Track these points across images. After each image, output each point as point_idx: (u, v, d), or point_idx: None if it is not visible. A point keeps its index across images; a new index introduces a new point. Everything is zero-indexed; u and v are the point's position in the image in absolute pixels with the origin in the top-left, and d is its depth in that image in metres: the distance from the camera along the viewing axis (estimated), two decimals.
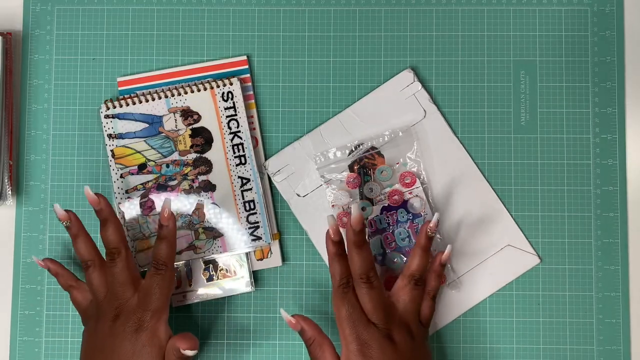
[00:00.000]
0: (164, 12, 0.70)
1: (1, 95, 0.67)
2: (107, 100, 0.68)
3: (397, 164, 0.68)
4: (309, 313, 0.68)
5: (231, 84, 0.67)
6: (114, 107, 0.67)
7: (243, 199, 0.67)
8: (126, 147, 0.67)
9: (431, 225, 0.61)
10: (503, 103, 0.69)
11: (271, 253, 0.67)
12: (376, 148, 0.68)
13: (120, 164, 0.67)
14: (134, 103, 0.67)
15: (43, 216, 0.69)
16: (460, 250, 0.67)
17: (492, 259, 0.67)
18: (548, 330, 0.67)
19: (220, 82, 0.67)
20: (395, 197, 0.67)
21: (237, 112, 0.67)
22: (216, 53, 0.70)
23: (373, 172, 0.67)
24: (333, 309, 0.60)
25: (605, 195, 0.68)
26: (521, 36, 0.70)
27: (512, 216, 0.68)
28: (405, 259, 0.66)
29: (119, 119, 0.67)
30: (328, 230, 0.60)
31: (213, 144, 0.67)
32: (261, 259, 0.67)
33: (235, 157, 0.67)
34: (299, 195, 0.68)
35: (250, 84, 0.69)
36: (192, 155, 0.67)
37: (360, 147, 0.67)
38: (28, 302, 0.68)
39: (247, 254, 0.67)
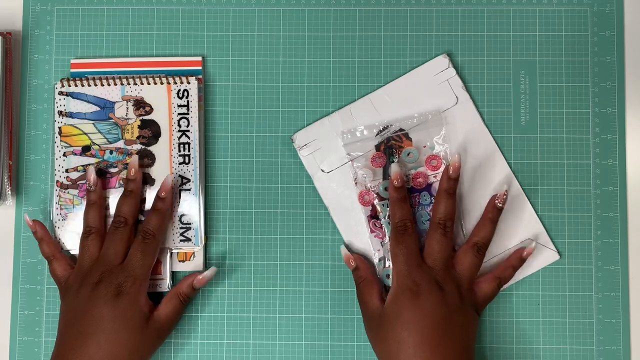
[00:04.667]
0: (163, 12, 0.70)
1: (1, 95, 0.67)
2: (63, 79, 0.68)
3: (424, 147, 0.68)
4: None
5: (189, 82, 0.67)
6: (69, 85, 0.68)
7: (179, 198, 0.67)
8: (74, 126, 0.67)
9: (500, 196, 0.64)
10: (503, 103, 0.69)
11: (194, 256, 0.67)
12: (404, 130, 0.68)
13: (65, 143, 0.67)
14: (89, 85, 0.67)
15: (43, 216, 0.69)
16: None
17: (512, 251, 0.67)
18: (548, 330, 0.67)
19: (177, 79, 0.68)
20: (420, 179, 0.67)
21: (189, 111, 0.67)
22: (216, 53, 0.70)
23: (399, 154, 0.67)
24: (390, 247, 0.63)
25: (605, 195, 0.68)
26: (521, 36, 0.70)
27: (536, 211, 0.68)
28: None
29: (72, 97, 0.67)
30: (392, 179, 0.63)
31: (160, 139, 0.67)
32: (183, 261, 0.67)
33: (180, 155, 0.67)
34: (323, 171, 0.68)
35: (201, 85, 0.69)
36: (137, 146, 0.67)
37: (389, 128, 0.68)
38: (28, 302, 0.68)
39: (170, 254, 0.67)
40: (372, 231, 0.67)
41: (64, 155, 0.67)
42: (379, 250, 0.67)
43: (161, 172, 0.67)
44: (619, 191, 0.68)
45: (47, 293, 0.68)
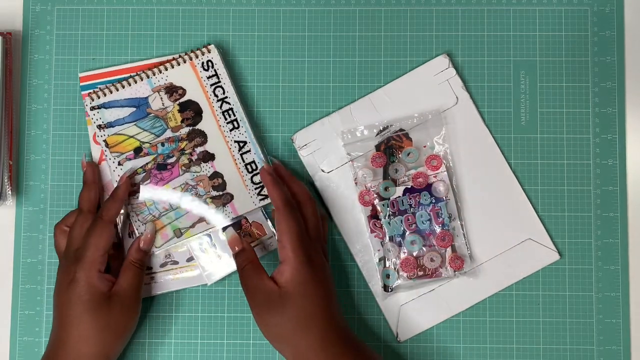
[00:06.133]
0: (163, 12, 0.70)
1: (1, 95, 0.67)
2: (89, 92, 0.68)
3: (424, 147, 0.68)
4: None
5: (209, 51, 0.68)
6: (98, 97, 0.67)
7: (244, 161, 0.67)
8: (118, 134, 0.67)
9: (265, 166, 0.65)
10: (503, 103, 0.69)
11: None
12: (404, 130, 0.68)
13: (116, 152, 0.67)
14: (117, 89, 0.67)
15: (43, 216, 0.69)
16: (480, 239, 0.67)
17: (512, 251, 0.67)
18: (548, 330, 0.67)
19: (198, 52, 0.68)
20: (420, 179, 0.67)
21: (220, 79, 0.68)
22: None
23: (399, 154, 0.68)
24: (278, 227, 0.61)
25: (605, 195, 0.68)
26: (521, 36, 0.70)
27: (536, 211, 0.68)
28: (423, 241, 0.66)
29: (105, 108, 0.67)
30: (263, 166, 0.65)
31: (203, 114, 0.67)
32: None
33: (227, 123, 0.67)
34: (323, 171, 0.68)
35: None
36: (185, 129, 0.67)
37: (389, 128, 0.68)
38: (28, 302, 0.68)
39: (265, 215, 0.67)
40: (372, 231, 0.67)
41: (119, 164, 0.67)
42: (379, 250, 0.67)
43: (216, 145, 0.67)
44: (619, 191, 0.68)
45: (47, 293, 0.68)
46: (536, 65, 0.69)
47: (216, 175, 0.67)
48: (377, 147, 0.68)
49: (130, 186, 0.66)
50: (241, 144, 0.67)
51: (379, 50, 0.70)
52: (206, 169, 0.67)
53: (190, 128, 0.67)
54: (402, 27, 0.70)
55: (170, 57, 0.68)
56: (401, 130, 0.68)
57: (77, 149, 0.69)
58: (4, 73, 0.68)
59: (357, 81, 0.69)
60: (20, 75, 0.70)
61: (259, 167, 0.67)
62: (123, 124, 0.67)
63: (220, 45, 0.69)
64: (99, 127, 0.67)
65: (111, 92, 0.67)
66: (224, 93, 0.67)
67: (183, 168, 0.67)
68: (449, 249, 0.67)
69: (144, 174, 0.67)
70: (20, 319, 0.68)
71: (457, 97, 0.69)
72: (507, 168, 0.68)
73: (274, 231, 0.66)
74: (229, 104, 0.67)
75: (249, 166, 0.67)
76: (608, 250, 0.68)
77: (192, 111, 0.67)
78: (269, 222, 0.67)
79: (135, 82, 0.67)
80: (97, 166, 0.67)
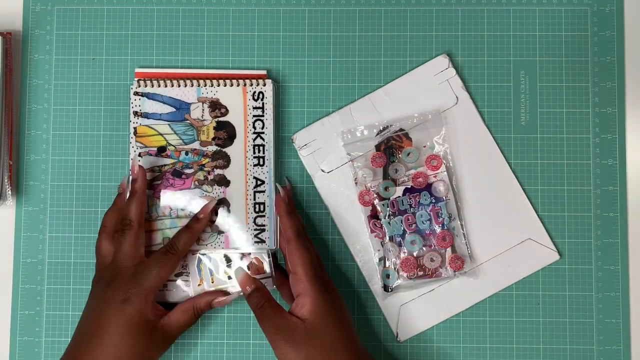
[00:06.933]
0: (163, 12, 0.70)
1: (1, 95, 0.67)
2: (139, 79, 0.68)
3: (424, 147, 0.68)
4: None
5: (264, 84, 0.67)
6: (145, 85, 0.67)
7: (254, 200, 0.67)
8: (149, 127, 0.67)
9: (282, 194, 0.65)
10: (503, 103, 0.69)
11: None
12: (404, 130, 0.68)
13: (141, 143, 0.67)
14: (165, 85, 0.67)
15: (43, 216, 0.69)
16: (480, 239, 0.67)
17: (512, 251, 0.67)
18: (548, 330, 0.67)
19: (254, 81, 0.68)
20: (420, 179, 0.67)
21: (264, 113, 0.67)
22: (216, 53, 0.70)
23: (399, 154, 0.68)
24: (291, 259, 0.61)
25: (605, 195, 0.68)
26: (521, 36, 0.70)
27: (536, 211, 0.68)
28: (423, 241, 0.66)
29: (148, 98, 0.67)
30: (279, 192, 0.65)
31: (235, 140, 0.67)
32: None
33: (254, 157, 0.67)
34: (323, 171, 0.68)
35: None
36: (213, 148, 0.67)
37: (389, 128, 0.68)
38: (28, 302, 0.68)
39: (268, 252, 0.66)
40: (372, 231, 0.67)
41: (140, 155, 0.67)
42: (379, 250, 0.67)
43: (236, 173, 0.67)
44: (619, 191, 0.68)
45: (47, 293, 0.68)
46: (536, 65, 0.70)
47: (224, 202, 0.67)
48: (377, 147, 0.68)
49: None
50: (259, 182, 0.67)
51: (379, 50, 0.70)
52: (217, 192, 0.67)
53: (218, 148, 0.67)
54: (402, 27, 0.70)
55: (226, 74, 0.68)
56: (401, 130, 0.68)
57: (77, 149, 0.69)
58: (4, 73, 0.68)
59: (357, 81, 0.69)
60: (20, 75, 0.70)
61: (267, 210, 0.66)
62: (158, 120, 0.67)
63: (274, 78, 0.69)
64: (135, 113, 0.67)
65: (159, 86, 0.67)
66: (262, 128, 0.67)
67: (196, 183, 0.67)
68: (449, 249, 0.67)
69: (158, 174, 0.67)
70: (20, 319, 0.68)
71: (457, 97, 0.69)
72: (507, 168, 0.68)
73: (273, 272, 0.66)
74: (262, 139, 0.67)
75: (257, 205, 0.66)
76: (608, 250, 0.68)
77: (226, 133, 0.67)
78: (270, 262, 0.66)
79: (185, 85, 0.67)
80: (145, 173, 0.65)
